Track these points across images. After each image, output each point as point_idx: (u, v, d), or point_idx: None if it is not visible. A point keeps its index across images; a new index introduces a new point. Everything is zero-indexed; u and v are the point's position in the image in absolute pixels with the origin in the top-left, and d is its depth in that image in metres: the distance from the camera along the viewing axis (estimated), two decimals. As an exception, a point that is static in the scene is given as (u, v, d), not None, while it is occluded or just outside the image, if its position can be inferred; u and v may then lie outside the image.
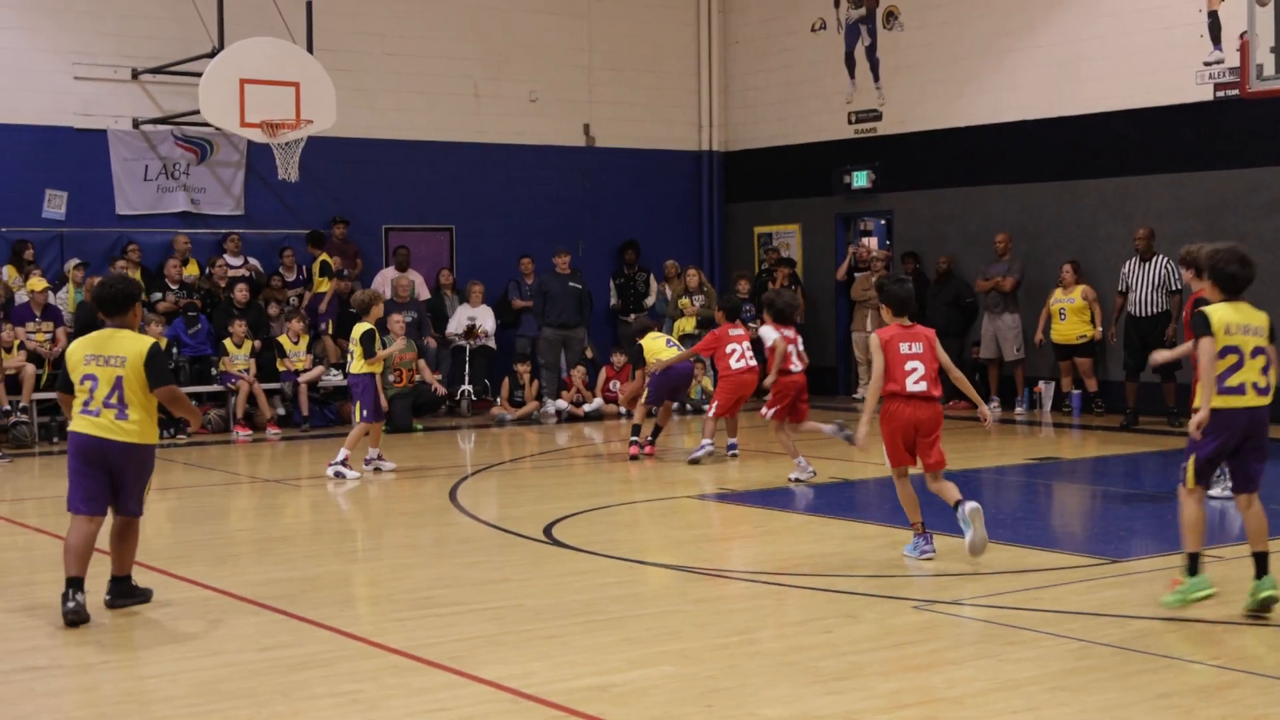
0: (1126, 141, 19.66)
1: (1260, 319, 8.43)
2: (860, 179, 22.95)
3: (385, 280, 20.79)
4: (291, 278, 20.67)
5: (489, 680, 7.15)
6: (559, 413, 20.09)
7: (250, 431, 18.32)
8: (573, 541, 10.84)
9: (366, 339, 14.44)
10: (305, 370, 19.11)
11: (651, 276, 23.24)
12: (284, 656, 7.68)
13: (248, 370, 18.70)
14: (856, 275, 22.64)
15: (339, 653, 7.76)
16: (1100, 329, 19.02)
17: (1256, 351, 8.33)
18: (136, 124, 20.13)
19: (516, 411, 20.07)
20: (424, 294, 21.32)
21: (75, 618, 8.33)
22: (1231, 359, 8.28)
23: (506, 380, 20.47)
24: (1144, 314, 18.18)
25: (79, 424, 8.62)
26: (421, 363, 18.24)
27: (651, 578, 9.77)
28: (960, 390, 10.50)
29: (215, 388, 18.93)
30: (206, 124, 18.99)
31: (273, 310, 19.85)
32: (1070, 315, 19.08)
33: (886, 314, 10.15)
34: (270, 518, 12.98)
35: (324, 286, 20.47)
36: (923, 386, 9.86)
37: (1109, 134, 19.84)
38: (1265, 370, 8.36)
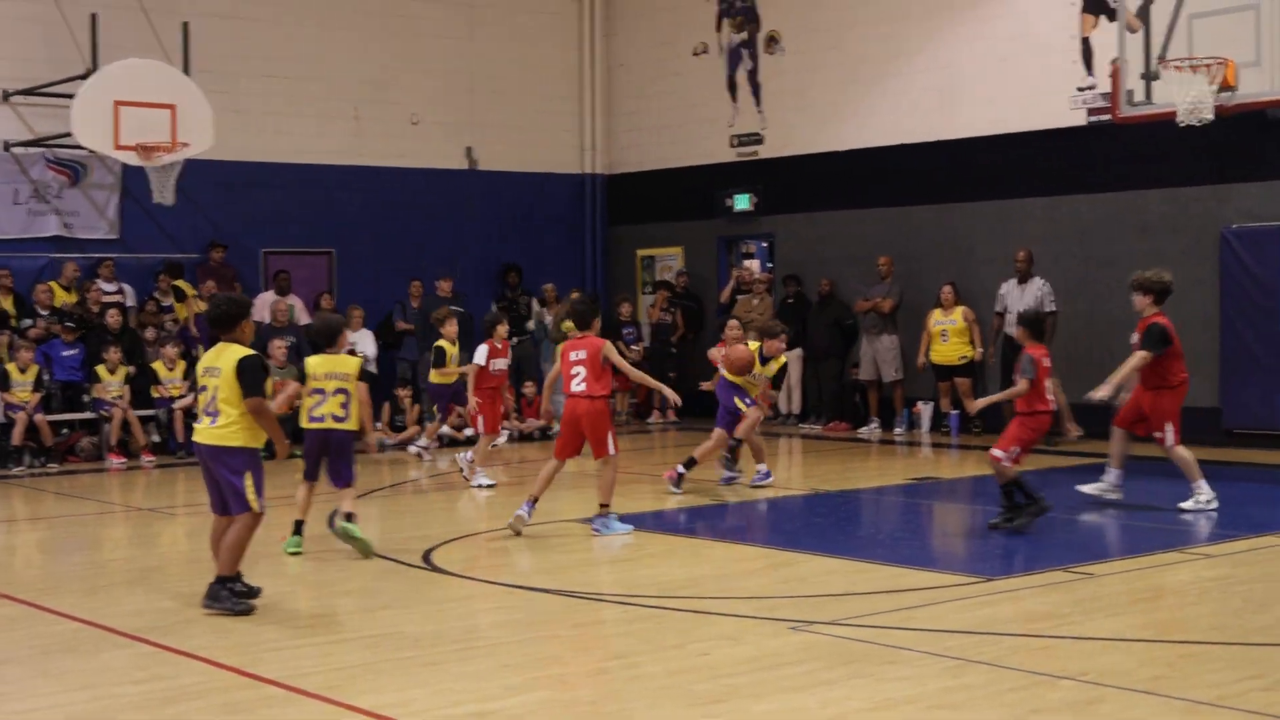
0: (1003, 165, 20.03)
1: None
2: (742, 202, 23.16)
3: (264, 305, 20.61)
4: (168, 303, 20.44)
5: (365, 710, 7.13)
6: (440, 437, 20.01)
7: (124, 459, 18.07)
8: (452, 567, 10.83)
9: (437, 351, 16.38)
10: (180, 397, 18.89)
11: (534, 300, 23.26)
12: (158, 689, 7.59)
13: (121, 397, 18.46)
14: (739, 297, 22.81)
15: (214, 684, 7.69)
16: (980, 350, 19.33)
17: None
18: (7, 146, 19.81)
19: (397, 436, 19.98)
20: (304, 319, 21.17)
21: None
22: None
23: (387, 405, 20.35)
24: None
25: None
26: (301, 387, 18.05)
27: (530, 603, 9.77)
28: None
29: (89, 415, 18.66)
30: (80, 146, 18.72)
31: (149, 335, 19.60)
32: (952, 336, 19.37)
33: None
34: (144, 547, 12.82)
35: (183, 313, 20.26)
36: (582, 387, 12.00)
37: (986, 158, 20.19)
38: None
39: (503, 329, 15.90)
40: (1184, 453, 13.11)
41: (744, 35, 23.17)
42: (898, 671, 7.72)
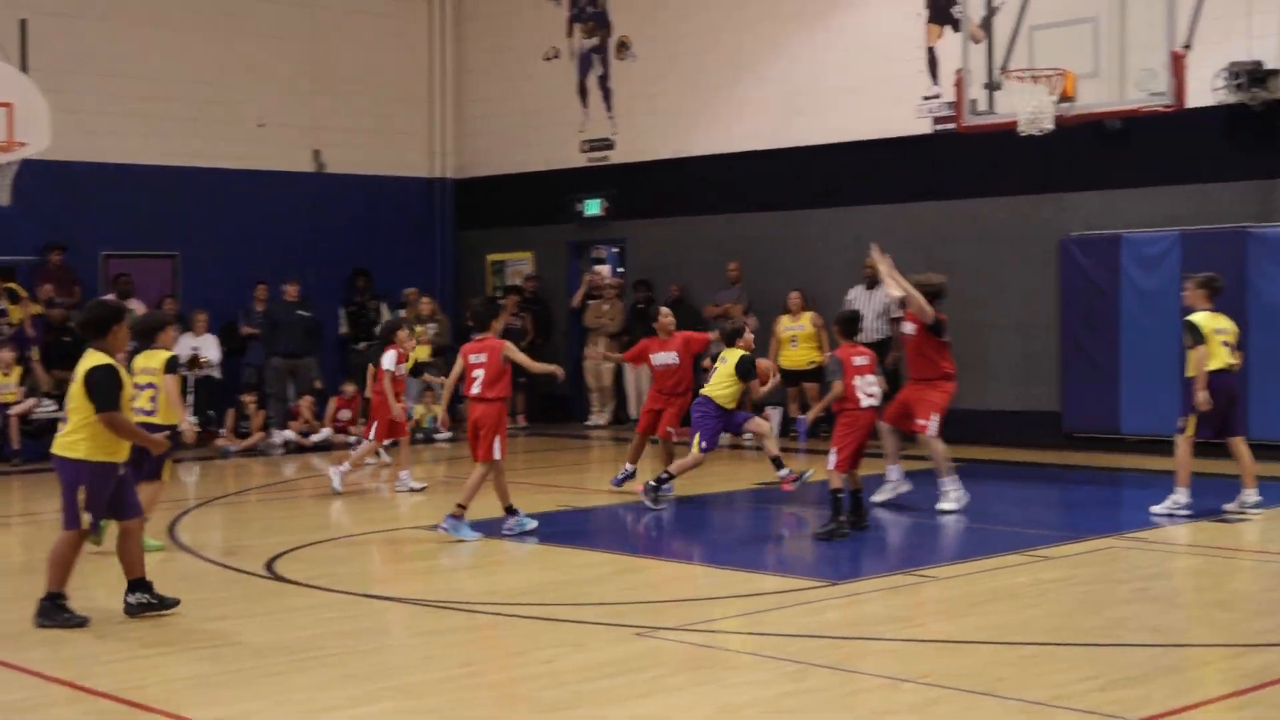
0: (851, 172, 20.26)
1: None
2: (593, 207, 23.18)
3: (104, 309, 20.14)
4: (1, 306, 19.92)
5: (202, 721, 7.00)
6: (286, 443, 19.77)
7: (-42, 467, 17.60)
8: (296, 576, 10.67)
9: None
10: (16, 402, 18.42)
11: (383, 305, 23.05)
12: (-15, 703, 7.39)
13: (-45, 403, 17.98)
14: (590, 302, 22.82)
15: (42, 699, 7.49)
16: (828, 355, 19.47)
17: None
18: None
19: (242, 443, 19.68)
20: (146, 323, 20.75)
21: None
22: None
23: (232, 411, 20.05)
24: (868, 340, 18.72)
25: None
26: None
27: (375, 612, 9.67)
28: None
29: (-80, 422, 18.16)
30: (-90, 145, 18.17)
31: (-17, 339, 19.10)
32: (801, 341, 19.52)
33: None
34: (-23, 558, 12.47)
35: (16, 316, 19.76)
36: (477, 390, 12.10)
37: (834, 164, 20.41)
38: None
39: (403, 334, 15.75)
40: (940, 445, 13.41)
41: (595, 40, 23.19)
42: (741, 676, 7.75)
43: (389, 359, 15.40)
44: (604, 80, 23.10)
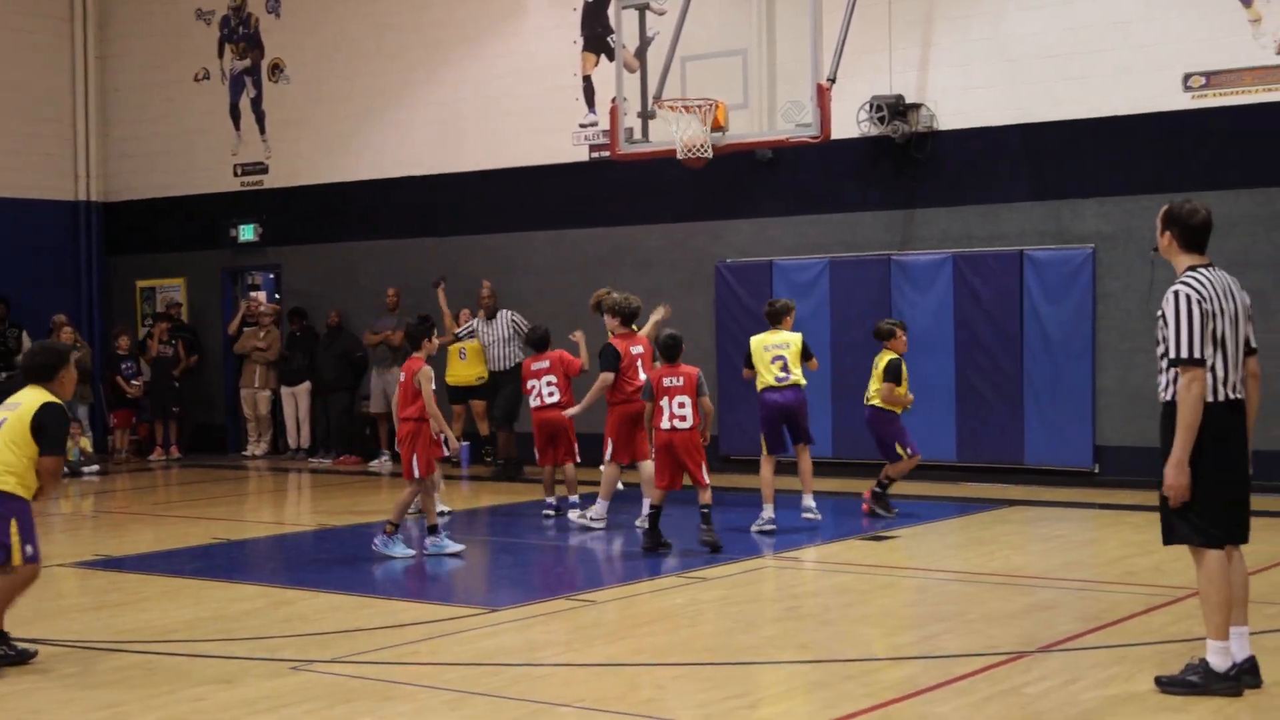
0: (512, 198, 20.39)
1: None
2: (247, 232, 22.75)
3: None
4: None
5: None
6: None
7: None
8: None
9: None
10: None
11: (24, 332, 22.11)
12: None
13: None
14: (246, 329, 22.38)
15: None
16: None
17: None
18: None
19: None
20: None
21: None
22: None
23: None
24: (500, 368, 18.87)
25: None
26: None
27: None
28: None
29: None
30: None
31: None
32: (470, 355, 19.38)
33: None
34: None
35: None
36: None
37: (495, 191, 20.51)
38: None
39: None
40: (614, 472, 13.88)
41: (247, 62, 22.78)
42: (397, 707, 7.71)
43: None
44: (257, 103, 22.72)
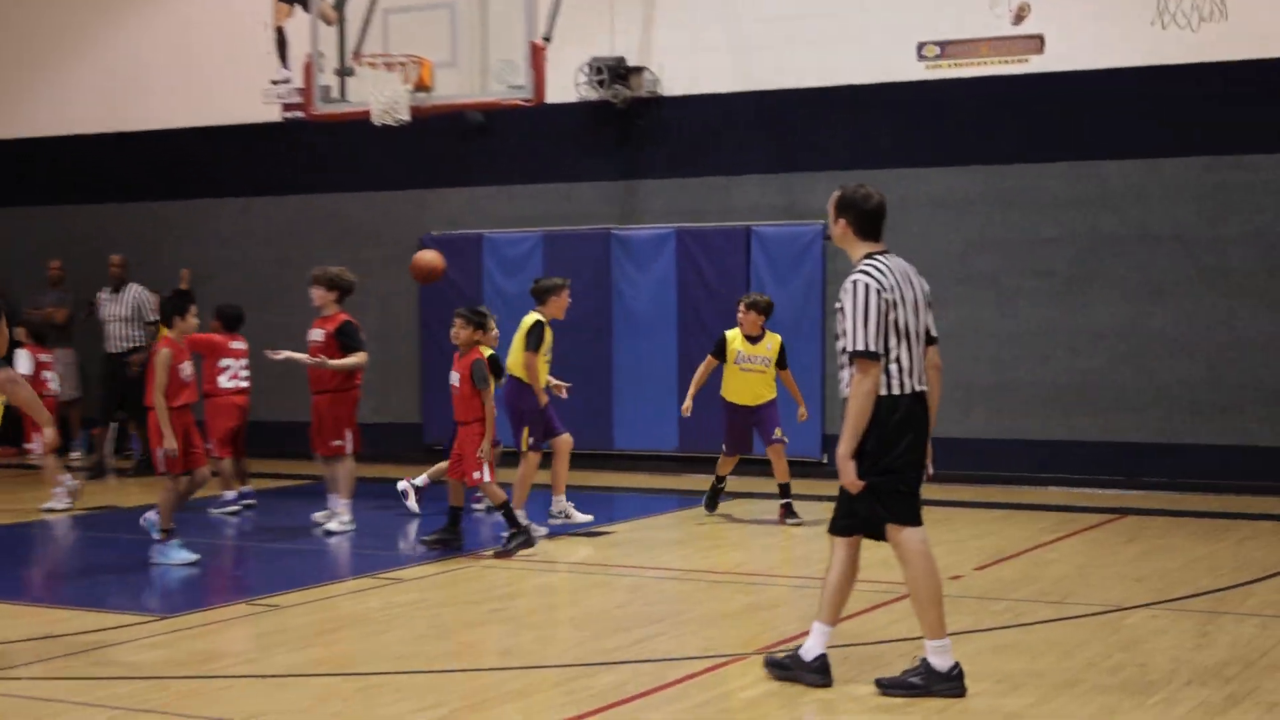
0: (194, 162, 19.92)
1: None
2: (-110, 195, 21.77)
3: None
4: None
5: None
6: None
7: None
8: None
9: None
10: None
11: None
12: None
13: None
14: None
15: None
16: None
17: None
18: None
19: None
20: None
21: None
22: None
23: None
24: (119, 348, 18.25)
25: None
26: None
27: None
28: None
29: None
30: None
31: None
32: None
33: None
34: None
35: None
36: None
37: (175, 153, 20.03)
38: None
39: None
40: (351, 466, 13.61)
41: (-109, 1, 21.78)
42: (46, 728, 7.44)
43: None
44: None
